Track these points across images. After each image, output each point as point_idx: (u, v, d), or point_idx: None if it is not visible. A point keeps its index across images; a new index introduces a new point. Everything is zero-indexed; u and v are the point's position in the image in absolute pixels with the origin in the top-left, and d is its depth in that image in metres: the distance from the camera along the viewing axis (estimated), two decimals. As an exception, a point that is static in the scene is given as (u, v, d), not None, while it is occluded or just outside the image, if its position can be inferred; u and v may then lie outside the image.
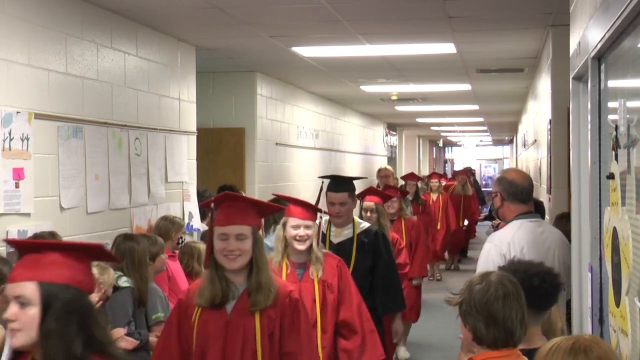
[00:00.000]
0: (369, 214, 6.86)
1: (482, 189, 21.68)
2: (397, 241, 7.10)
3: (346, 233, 5.69)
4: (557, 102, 6.81)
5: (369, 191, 7.14)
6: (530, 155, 11.72)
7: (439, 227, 13.71)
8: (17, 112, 4.95)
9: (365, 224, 5.85)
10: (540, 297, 3.20)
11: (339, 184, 5.73)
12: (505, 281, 2.86)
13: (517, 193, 4.51)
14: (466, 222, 16.21)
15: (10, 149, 4.86)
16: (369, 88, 12.06)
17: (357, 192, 6.31)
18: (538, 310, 3.20)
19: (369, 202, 6.93)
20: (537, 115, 9.52)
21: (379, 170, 10.34)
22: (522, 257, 4.21)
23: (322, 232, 5.37)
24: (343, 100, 14.38)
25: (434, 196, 13.86)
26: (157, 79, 7.15)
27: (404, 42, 7.91)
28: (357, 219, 5.82)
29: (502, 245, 4.38)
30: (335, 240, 5.67)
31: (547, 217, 7.21)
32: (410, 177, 12.49)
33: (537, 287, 3.19)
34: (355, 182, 5.91)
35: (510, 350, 2.81)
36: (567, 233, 4.66)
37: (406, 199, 10.17)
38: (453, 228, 14.18)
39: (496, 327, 2.79)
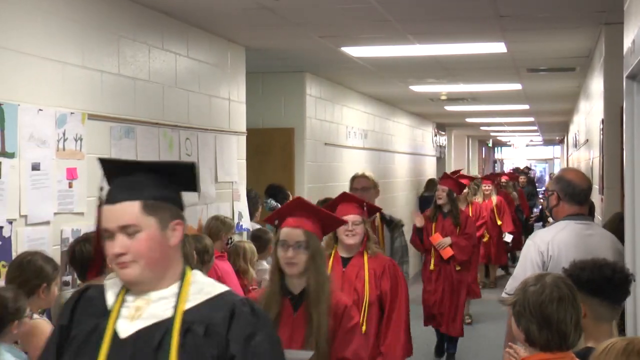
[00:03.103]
0: (287, 253, 3.75)
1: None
2: (344, 311, 3.73)
3: (154, 309, 2.38)
4: (609, 101, 6.72)
5: (296, 208, 3.88)
6: (581, 155, 11.58)
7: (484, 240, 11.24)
8: (71, 113, 5.02)
9: (216, 288, 2.44)
10: (616, 286, 3.17)
11: (121, 186, 2.45)
12: (560, 284, 2.83)
13: (575, 194, 4.46)
14: (509, 237, 13.78)
15: (64, 149, 4.93)
16: (418, 88, 12.01)
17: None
18: (614, 302, 3.18)
19: (292, 230, 3.78)
20: (589, 115, 9.40)
21: (353, 180, 6.51)
22: (561, 258, 4.19)
23: (106, 308, 2.40)
24: (392, 100, 14.34)
25: (478, 200, 11.89)
26: (208, 80, 7.21)
27: (453, 42, 7.87)
28: (193, 270, 2.47)
29: (541, 243, 4.37)
30: (125, 330, 2.36)
31: (599, 217, 7.13)
32: (444, 181, 9.23)
33: (610, 277, 3.16)
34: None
35: (564, 353, 2.78)
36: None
37: (394, 222, 6.29)
38: (483, 261, 11.40)
39: (549, 330, 2.77)
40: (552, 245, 4.33)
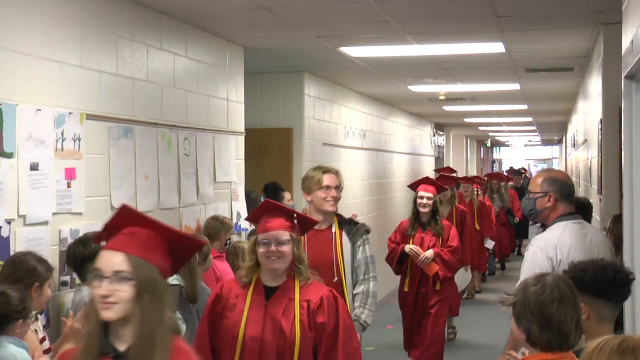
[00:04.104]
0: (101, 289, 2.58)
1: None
2: None
3: None
4: (608, 101, 6.73)
5: (121, 223, 2.59)
6: (580, 155, 11.59)
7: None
8: (70, 113, 5.02)
9: None
10: (618, 287, 3.18)
11: None
12: (561, 284, 2.83)
13: (571, 194, 4.50)
14: (490, 243, 12.78)
15: (62, 149, 4.93)
16: (416, 88, 12.01)
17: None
18: (617, 302, 3.18)
19: (110, 255, 2.56)
20: (588, 115, 9.41)
21: (322, 174, 5.27)
22: (568, 260, 4.14)
23: None
24: (390, 100, 14.34)
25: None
26: (206, 80, 7.20)
27: (452, 42, 7.87)
28: None
29: (548, 248, 4.29)
30: None
31: (597, 217, 7.13)
32: (427, 187, 7.81)
33: (613, 277, 3.17)
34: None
35: (564, 354, 2.78)
36: None
37: (357, 226, 5.31)
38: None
39: (550, 330, 2.77)
40: (559, 248, 4.27)
